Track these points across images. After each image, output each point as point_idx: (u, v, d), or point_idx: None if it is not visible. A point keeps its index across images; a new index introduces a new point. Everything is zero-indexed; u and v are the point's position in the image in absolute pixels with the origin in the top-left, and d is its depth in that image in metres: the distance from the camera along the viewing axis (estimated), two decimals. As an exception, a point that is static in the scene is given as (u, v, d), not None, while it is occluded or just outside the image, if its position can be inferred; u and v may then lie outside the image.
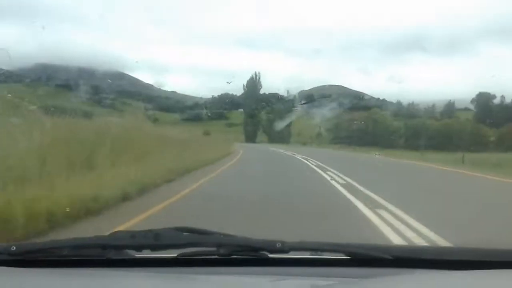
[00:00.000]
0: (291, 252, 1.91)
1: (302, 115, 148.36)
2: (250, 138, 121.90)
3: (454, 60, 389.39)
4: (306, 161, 29.28)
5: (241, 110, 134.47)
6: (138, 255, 1.98)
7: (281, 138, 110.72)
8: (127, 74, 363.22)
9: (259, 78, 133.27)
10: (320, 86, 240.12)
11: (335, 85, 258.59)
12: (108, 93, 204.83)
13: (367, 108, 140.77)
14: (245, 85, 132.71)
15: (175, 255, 1.99)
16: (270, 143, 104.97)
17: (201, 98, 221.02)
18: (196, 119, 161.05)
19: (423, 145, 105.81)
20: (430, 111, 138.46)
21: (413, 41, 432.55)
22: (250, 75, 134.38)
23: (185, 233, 1.93)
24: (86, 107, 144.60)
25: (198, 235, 1.95)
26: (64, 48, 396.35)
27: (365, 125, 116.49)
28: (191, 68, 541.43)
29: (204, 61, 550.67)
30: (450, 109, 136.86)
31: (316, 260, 2.04)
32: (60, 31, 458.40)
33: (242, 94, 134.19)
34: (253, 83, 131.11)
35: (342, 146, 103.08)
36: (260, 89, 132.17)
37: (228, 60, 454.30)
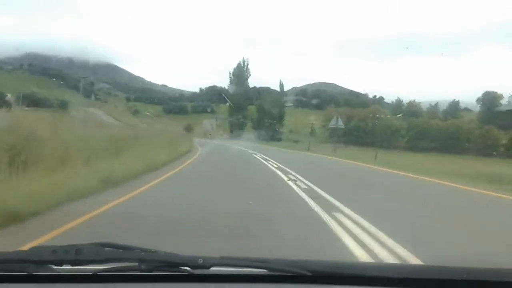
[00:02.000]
0: (213, 268, 1.94)
1: (295, 111, 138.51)
2: (236, 134, 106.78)
3: (455, 59, 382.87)
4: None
5: (229, 103, 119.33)
6: (59, 270, 1.92)
7: (271, 135, 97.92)
8: (119, 66, 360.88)
9: (247, 65, 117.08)
10: (312, 84, 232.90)
11: (327, 83, 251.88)
12: (95, 84, 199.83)
13: (364, 105, 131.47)
14: (231, 73, 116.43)
15: (97, 270, 1.93)
16: (257, 142, 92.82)
17: (188, 91, 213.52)
18: (181, 111, 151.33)
19: (428, 147, 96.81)
20: (432, 110, 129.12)
21: (411, 40, 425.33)
22: (238, 62, 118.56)
23: (106, 248, 1.93)
24: (68, 96, 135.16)
25: (119, 250, 1.95)
26: (56, 39, 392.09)
27: (364, 124, 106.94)
28: (183, 62, 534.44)
29: (197, 55, 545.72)
30: (454, 108, 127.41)
31: (237, 275, 2.04)
32: (52, 22, 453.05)
33: (229, 84, 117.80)
34: (241, 71, 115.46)
35: (338, 145, 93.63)
36: (248, 77, 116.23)
37: (221, 55, 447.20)
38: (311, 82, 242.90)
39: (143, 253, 1.90)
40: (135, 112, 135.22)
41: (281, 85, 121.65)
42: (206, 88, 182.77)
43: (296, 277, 1.92)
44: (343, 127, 49.99)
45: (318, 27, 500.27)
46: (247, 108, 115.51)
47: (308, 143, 67.81)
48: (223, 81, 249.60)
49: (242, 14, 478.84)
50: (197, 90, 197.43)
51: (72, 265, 1.84)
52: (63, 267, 1.85)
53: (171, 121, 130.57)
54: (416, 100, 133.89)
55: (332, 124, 48.62)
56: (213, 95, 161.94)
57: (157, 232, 6.45)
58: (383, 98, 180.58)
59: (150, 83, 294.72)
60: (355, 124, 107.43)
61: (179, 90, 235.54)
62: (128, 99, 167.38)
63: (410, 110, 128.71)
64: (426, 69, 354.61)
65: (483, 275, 1.97)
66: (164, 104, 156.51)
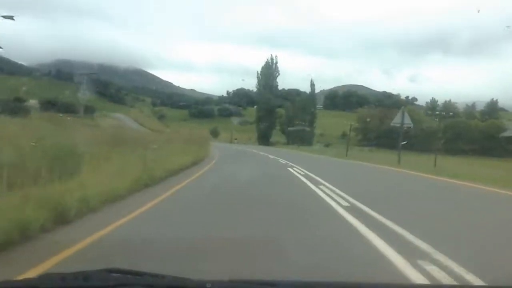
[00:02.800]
0: None
1: (324, 114, 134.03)
2: (264, 138, 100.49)
3: (489, 58, 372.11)
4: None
5: (257, 106, 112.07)
6: None
7: (301, 139, 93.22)
8: (148, 72, 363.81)
9: (276, 63, 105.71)
10: (341, 86, 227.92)
11: (356, 85, 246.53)
12: (124, 89, 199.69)
13: (397, 106, 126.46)
14: (259, 72, 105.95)
15: None
16: (287, 146, 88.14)
17: (216, 96, 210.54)
18: (207, 115, 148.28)
19: (466, 149, 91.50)
20: (469, 110, 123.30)
21: (443, 39, 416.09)
22: (265, 60, 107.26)
23: (114, 274, 1.94)
24: (95, 102, 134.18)
25: (128, 276, 1.95)
26: (86, 44, 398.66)
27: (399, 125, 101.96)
28: (212, 67, 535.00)
29: (225, 59, 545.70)
30: (492, 108, 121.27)
31: None
32: (83, 28, 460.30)
33: (256, 84, 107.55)
34: (269, 70, 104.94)
35: (372, 149, 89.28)
36: (277, 76, 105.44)
37: (249, 58, 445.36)
38: (340, 84, 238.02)
39: (151, 279, 1.90)
40: (161, 117, 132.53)
41: (312, 85, 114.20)
42: (233, 91, 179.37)
43: None
44: (412, 125, 38.91)
45: (346, 28, 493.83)
46: (275, 110, 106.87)
47: (346, 147, 61.67)
48: (252, 84, 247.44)
49: (270, 15, 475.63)
50: (225, 94, 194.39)
51: None
52: None
53: (198, 125, 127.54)
54: (452, 100, 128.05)
55: (396, 122, 37.32)
56: (241, 98, 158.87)
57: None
58: (416, 99, 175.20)
59: (178, 87, 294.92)
60: (389, 125, 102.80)
61: (207, 94, 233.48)
62: (154, 104, 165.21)
63: (446, 111, 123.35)
64: (460, 68, 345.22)
65: None
66: (190, 108, 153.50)
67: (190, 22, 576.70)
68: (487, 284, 4.62)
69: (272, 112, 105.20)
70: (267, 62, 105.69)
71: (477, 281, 4.64)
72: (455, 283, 5.12)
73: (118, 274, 1.90)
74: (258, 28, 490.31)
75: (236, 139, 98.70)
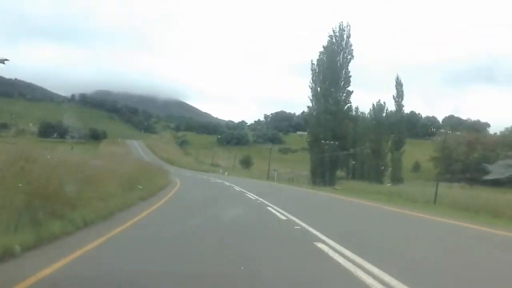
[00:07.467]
0: None
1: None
2: (323, 173, 59.18)
3: None
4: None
5: (300, 133, 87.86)
6: None
7: (370, 175, 65.69)
8: (187, 103, 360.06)
9: (348, 37, 59.72)
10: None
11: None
12: (155, 117, 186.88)
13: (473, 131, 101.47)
14: (314, 63, 60.11)
15: None
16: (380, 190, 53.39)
17: (251, 122, 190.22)
18: (239, 142, 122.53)
19: None
20: None
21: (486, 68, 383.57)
22: (331, 30, 60.88)
23: None
24: (112, 128, 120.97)
25: None
26: (127, 76, 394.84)
27: (495, 154, 76.41)
28: (252, 99, 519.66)
29: (266, 92, 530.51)
30: None
31: None
32: (124, 59, 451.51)
33: (310, 83, 60.06)
34: (334, 51, 59.41)
35: (464, 185, 64.21)
36: (349, 62, 59.15)
37: (287, 88, 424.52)
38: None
39: None
40: (183, 143, 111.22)
41: (399, 88, 70.81)
42: (272, 114, 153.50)
43: None
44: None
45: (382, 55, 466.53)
46: (344, 126, 60.31)
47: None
48: (292, 107, 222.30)
49: (305, 47, 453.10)
50: (262, 118, 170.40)
51: None
52: None
53: (225, 152, 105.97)
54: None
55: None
56: (281, 122, 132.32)
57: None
58: (488, 125, 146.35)
59: (216, 119, 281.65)
60: (480, 154, 76.97)
61: (244, 123, 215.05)
62: (177, 129, 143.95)
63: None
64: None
65: None
66: (219, 134, 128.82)
67: (231, 53, 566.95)
68: None
69: (339, 129, 58.66)
70: (333, 37, 59.63)
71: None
72: None
73: None
74: (295, 58, 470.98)
75: (275, 170, 70.60)
